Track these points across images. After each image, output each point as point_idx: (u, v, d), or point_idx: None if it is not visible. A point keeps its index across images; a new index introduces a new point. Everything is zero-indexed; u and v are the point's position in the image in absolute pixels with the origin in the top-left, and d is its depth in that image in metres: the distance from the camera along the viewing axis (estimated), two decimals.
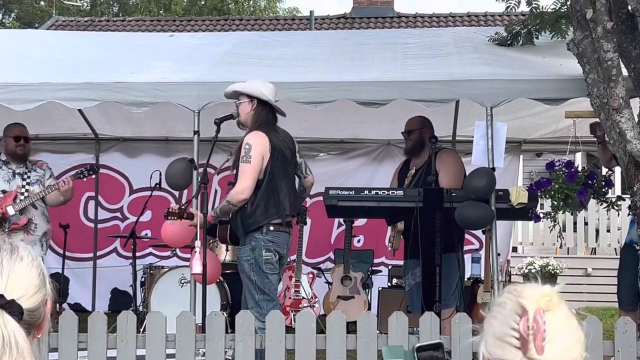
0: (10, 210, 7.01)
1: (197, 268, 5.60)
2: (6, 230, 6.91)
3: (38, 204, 7.18)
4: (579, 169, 5.88)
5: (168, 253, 8.64)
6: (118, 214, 9.76)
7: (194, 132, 6.25)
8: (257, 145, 5.72)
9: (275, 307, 5.66)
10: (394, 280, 8.37)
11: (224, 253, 8.10)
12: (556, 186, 5.73)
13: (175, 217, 5.76)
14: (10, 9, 32.44)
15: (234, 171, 5.97)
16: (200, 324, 5.33)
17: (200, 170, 6.01)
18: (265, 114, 5.87)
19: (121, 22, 20.49)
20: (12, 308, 1.67)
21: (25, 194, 7.14)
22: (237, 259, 5.93)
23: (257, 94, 5.82)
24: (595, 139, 6.25)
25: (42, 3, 32.41)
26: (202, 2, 33.09)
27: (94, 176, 7.61)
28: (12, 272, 1.72)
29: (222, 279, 7.64)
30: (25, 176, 7.24)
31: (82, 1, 34.11)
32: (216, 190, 9.64)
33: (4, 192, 7.12)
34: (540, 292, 1.70)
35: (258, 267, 5.71)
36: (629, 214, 5.88)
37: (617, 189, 12.25)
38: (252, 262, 5.73)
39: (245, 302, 5.89)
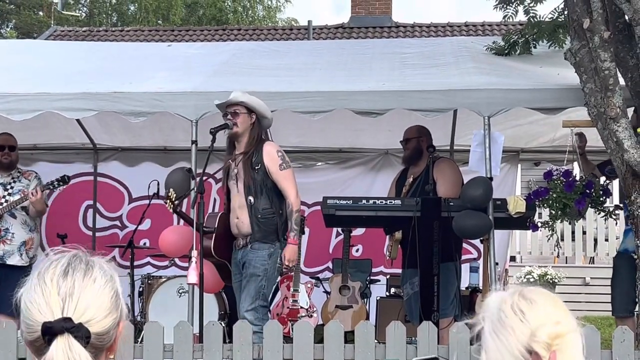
0: None
1: (193, 278, 5.60)
2: None
3: (18, 213, 7.12)
4: (577, 178, 5.89)
5: (166, 263, 8.63)
6: (117, 222, 9.75)
7: (192, 141, 6.26)
8: (285, 154, 5.93)
9: (266, 315, 5.76)
10: (392, 290, 8.37)
11: None
12: (554, 195, 5.73)
13: (171, 206, 5.80)
14: (8, 19, 32.48)
15: (231, 181, 5.98)
16: (198, 334, 5.32)
17: (198, 179, 6.02)
18: (260, 129, 6.00)
19: (119, 32, 20.50)
20: (79, 332, 1.63)
21: (4, 204, 7.09)
22: (244, 260, 5.88)
23: (258, 108, 5.92)
24: (578, 150, 6.24)
25: (41, 13, 32.45)
26: (201, 12, 33.15)
27: (64, 187, 7.44)
28: (83, 294, 1.67)
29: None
30: (8, 186, 7.18)
31: (80, 11, 34.19)
32: (215, 199, 9.63)
33: None
34: (554, 332, 1.69)
35: (271, 274, 5.82)
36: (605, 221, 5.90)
37: (615, 198, 12.26)
38: (266, 268, 5.79)
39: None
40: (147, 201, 8.44)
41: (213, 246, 5.99)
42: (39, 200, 7.01)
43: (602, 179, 6.30)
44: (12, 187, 7.19)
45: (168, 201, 5.82)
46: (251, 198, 5.79)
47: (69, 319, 1.62)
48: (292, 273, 8.18)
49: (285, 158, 5.87)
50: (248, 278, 5.82)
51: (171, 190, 5.90)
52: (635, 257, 5.44)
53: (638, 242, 5.34)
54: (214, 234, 6.03)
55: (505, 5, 7.44)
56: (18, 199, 7.05)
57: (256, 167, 5.83)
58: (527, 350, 1.68)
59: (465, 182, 6.31)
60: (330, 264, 9.38)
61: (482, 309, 1.82)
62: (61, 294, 1.66)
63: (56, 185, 7.24)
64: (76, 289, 1.67)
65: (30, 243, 7.21)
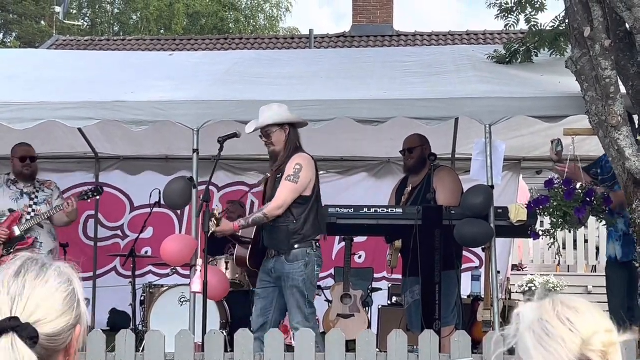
0: (16, 231, 7.13)
1: (197, 286, 5.60)
2: (12, 250, 6.99)
3: (44, 222, 7.25)
4: (577, 186, 5.88)
5: (168, 271, 8.62)
6: (119, 232, 9.74)
7: (193, 150, 6.26)
8: (308, 167, 5.89)
9: (315, 317, 5.88)
10: (394, 299, 8.35)
11: (224, 272, 8.07)
12: (555, 204, 5.73)
13: (216, 223, 5.76)
14: (11, 29, 32.54)
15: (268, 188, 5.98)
16: (200, 343, 5.31)
17: (202, 188, 6.02)
18: (295, 136, 6.02)
19: (121, 42, 20.54)
20: (25, 332, 1.62)
21: (32, 213, 7.22)
22: (280, 274, 5.86)
23: (289, 119, 5.96)
24: (553, 159, 6.21)
25: (43, 23, 32.50)
26: (203, 22, 33.21)
27: (98, 197, 7.67)
28: (33, 295, 1.68)
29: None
30: (32, 196, 7.32)
31: (82, 21, 34.26)
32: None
33: (11, 211, 7.21)
34: (608, 340, 1.68)
35: (310, 283, 5.85)
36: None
37: None
38: (305, 278, 5.81)
39: (261, 315, 5.87)
40: (148, 210, 8.45)
41: (249, 256, 6.00)
42: (74, 211, 7.20)
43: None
44: (36, 197, 7.34)
45: (213, 219, 5.75)
46: (215, 207, 5.87)
47: (15, 318, 1.63)
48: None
49: (298, 173, 5.82)
50: (290, 291, 5.83)
51: (215, 207, 5.87)
52: (638, 265, 5.43)
53: (639, 249, 5.34)
54: (251, 245, 6.03)
55: (506, 15, 7.45)
56: (50, 209, 7.22)
57: (278, 176, 5.89)
58: (579, 359, 1.66)
59: (465, 190, 6.31)
60: (332, 272, 9.37)
61: (516, 320, 1.79)
62: (11, 294, 1.67)
63: (90, 196, 7.43)
64: (26, 289, 1.68)
65: (55, 252, 7.39)
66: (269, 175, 6.08)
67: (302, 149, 6.03)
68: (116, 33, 32.80)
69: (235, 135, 5.93)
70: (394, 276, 8.47)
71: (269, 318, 5.88)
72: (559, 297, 1.77)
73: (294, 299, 5.81)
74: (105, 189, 9.65)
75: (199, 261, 5.69)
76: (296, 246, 5.83)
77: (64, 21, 30.38)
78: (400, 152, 6.92)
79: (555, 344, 1.69)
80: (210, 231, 5.72)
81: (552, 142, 6.10)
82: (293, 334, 5.76)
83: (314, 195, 5.94)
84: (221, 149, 5.89)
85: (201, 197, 5.95)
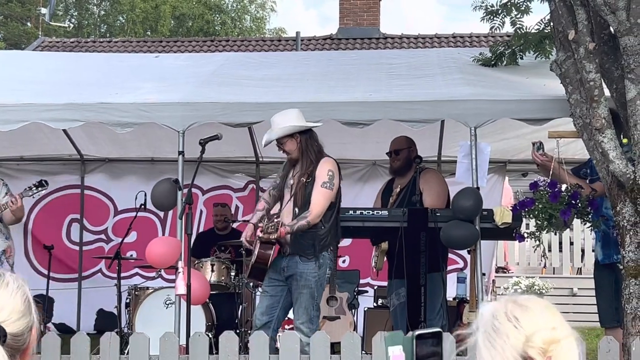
0: None
1: (182, 289, 5.59)
2: None
3: None
4: (562, 188, 5.89)
5: (154, 274, 8.60)
6: (102, 236, 9.70)
7: (179, 152, 6.25)
8: (337, 173, 5.83)
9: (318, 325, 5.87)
10: (380, 301, 8.35)
11: (209, 274, 8.05)
12: (540, 206, 5.74)
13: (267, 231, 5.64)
14: None
15: (286, 189, 5.94)
16: (185, 345, 5.30)
17: (185, 190, 6.00)
18: (314, 140, 5.92)
19: (107, 44, 20.47)
20: None
21: None
22: (293, 273, 5.79)
23: (294, 129, 5.84)
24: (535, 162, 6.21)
25: (29, 24, 32.40)
26: (190, 24, 33.16)
27: (43, 191, 7.29)
28: None
29: (207, 300, 7.59)
30: None
31: (68, 22, 34.14)
32: (201, 211, 9.61)
33: None
34: (549, 337, 1.68)
35: (320, 284, 5.83)
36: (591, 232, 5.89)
37: None
38: (317, 279, 5.78)
39: (265, 312, 5.85)
40: (132, 214, 8.40)
41: (272, 257, 5.89)
42: (20, 208, 6.97)
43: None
44: None
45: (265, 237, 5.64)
46: (297, 209, 5.71)
47: None
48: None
49: (332, 180, 5.76)
50: (300, 290, 5.76)
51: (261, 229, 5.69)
52: (622, 267, 5.45)
53: (624, 252, 5.35)
54: (275, 246, 5.99)
55: (492, 17, 7.46)
56: (0, 205, 6.98)
57: (308, 180, 5.79)
58: (522, 357, 1.66)
59: (451, 193, 6.32)
60: None
61: (476, 319, 1.80)
62: None
63: (35, 191, 7.15)
64: None
65: (9, 251, 7.16)
66: (290, 171, 5.97)
67: (324, 153, 5.95)
68: (102, 35, 32.71)
69: (216, 137, 5.90)
70: (378, 283, 8.47)
71: (274, 317, 5.83)
72: (514, 296, 1.78)
73: (304, 299, 5.75)
74: (90, 192, 9.64)
75: (180, 263, 5.67)
76: (323, 253, 5.78)
77: (50, 22, 30.26)
78: (387, 153, 6.91)
79: (501, 340, 1.69)
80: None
81: (534, 144, 6.12)
82: (279, 336, 5.75)
83: (338, 201, 5.90)
84: (203, 151, 5.86)
85: (183, 199, 5.93)
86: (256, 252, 5.77)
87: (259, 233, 5.61)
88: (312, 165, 5.82)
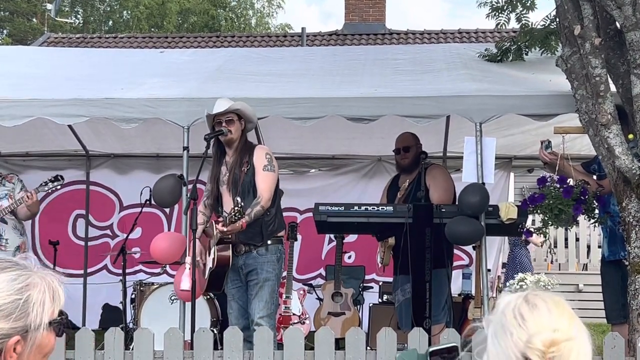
0: None
1: (186, 284, 5.58)
2: None
3: (8, 218, 7.09)
4: (572, 184, 5.87)
5: (158, 270, 8.60)
6: (108, 232, 9.71)
7: (184, 148, 6.24)
8: (274, 157, 5.93)
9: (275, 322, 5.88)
10: (385, 297, 8.35)
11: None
12: (549, 201, 5.72)
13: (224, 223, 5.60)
14: (2, 26, 32.46)
15: (223, 186, 5.94)
16: (190, 341, 5.30)
17: (190, 186, 5.99)
18: (246, 133, 6.05)
19: (113, 39, 20.48)
20: None
21: None
22: (253, 268, 5.80)
23: (251, 116, 5.98)
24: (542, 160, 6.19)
25: (34, 20, 32.43)
26: (194, 20, 33.13)
27: (59, 185, 7.33)
28: None
29: (212, 295, 7.60)
30: None
31: (74, 18, 34.16)
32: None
33: None
34: (549, 340, 1.65)
35: (279, 279, 5.89)
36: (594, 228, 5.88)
37: None
38: (277, 273, 5.82)
39: (239, 316, 5.85)
40: (138, 209, 8.41)
41: (230, 257, 5.88)
42: (35, 203, 7.02)
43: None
44: None
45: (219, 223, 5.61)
46: (238, 198, 5.58)
47: None
48: (285, 281, 8.13)
49: (272, 162, 5.86)
50: (260, 284, 5.77)
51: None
52: (627, 263, 5.44)
53: (630, 248, 5.34)
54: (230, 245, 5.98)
55: (497, 13, 7.45)
56: (12, 203, 7.02)
57: (246, 169, 5.82)
58: (524, 356, 1.63)
59: (457, 189, 6.30)
60: (322, 271, 9.37)
61: (492, 311, 1.78)
62: None
63: (51, 187, 7.18)
64: None
65: (23, 247, 7.21)
66: (222, 167, 5.97)
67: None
68: (108, 31, 32.71)
69: (221, 133, 5.90)
70: (383, 278, 8.46)
71: (248, 318, 5.84)
72: (531, 291, 1.75)
73: (264, 292, 5.74)
74: (95, 187, 9.65)
75: (188, 259, 5.66)
76: (269, 241, 5.80)
77: (56, 19, 30.29)
78: (394, 150, 6.89)
79: (505, 337, 1.67)
80: (217, 237, 5.64)
81: (542, 142, 6.10)
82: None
83: (277, 187, 5.96)
84: (208, 147, 5.86)
85: (188, 194, 5.93)
86: (211, 258, 5.76)
87: (221, 227, 5.53)
88: (247, 153, 5.89)
